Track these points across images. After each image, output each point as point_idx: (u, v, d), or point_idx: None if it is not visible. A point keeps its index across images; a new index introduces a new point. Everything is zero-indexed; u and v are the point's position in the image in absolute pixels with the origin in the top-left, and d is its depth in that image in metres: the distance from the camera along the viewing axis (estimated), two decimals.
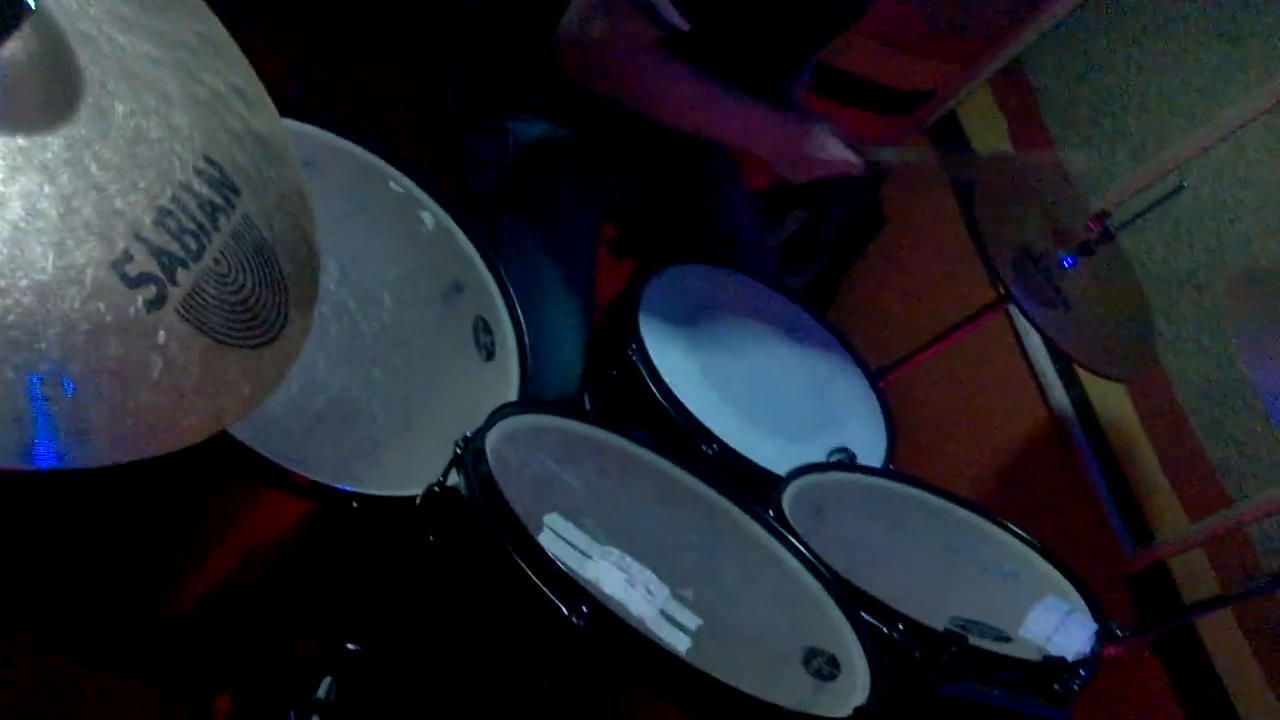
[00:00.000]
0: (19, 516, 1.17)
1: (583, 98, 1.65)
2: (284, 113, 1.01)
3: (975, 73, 2.66)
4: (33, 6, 0.72)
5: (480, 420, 1.16)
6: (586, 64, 1.59)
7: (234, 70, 0.95)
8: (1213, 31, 2.22)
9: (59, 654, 1.23)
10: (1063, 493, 2.25)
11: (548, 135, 1.71)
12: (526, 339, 1.37)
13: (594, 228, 1.76)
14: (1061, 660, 1.33)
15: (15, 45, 0.73)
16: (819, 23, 1.71)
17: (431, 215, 1.39)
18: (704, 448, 1.43)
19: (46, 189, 0.70)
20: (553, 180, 1.71)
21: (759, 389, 1.63)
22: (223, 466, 1.06)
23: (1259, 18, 2.15)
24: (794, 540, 1.31)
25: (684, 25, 1.51)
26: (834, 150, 1.69)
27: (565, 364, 1.56)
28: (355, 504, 1.11)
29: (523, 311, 1.40)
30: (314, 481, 1.08)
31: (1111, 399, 2.22)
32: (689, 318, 1.63)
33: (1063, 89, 2.48)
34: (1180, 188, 1.82)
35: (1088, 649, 1.40)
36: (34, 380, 0.65)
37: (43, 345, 0.65)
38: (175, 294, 0.77)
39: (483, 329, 1.37)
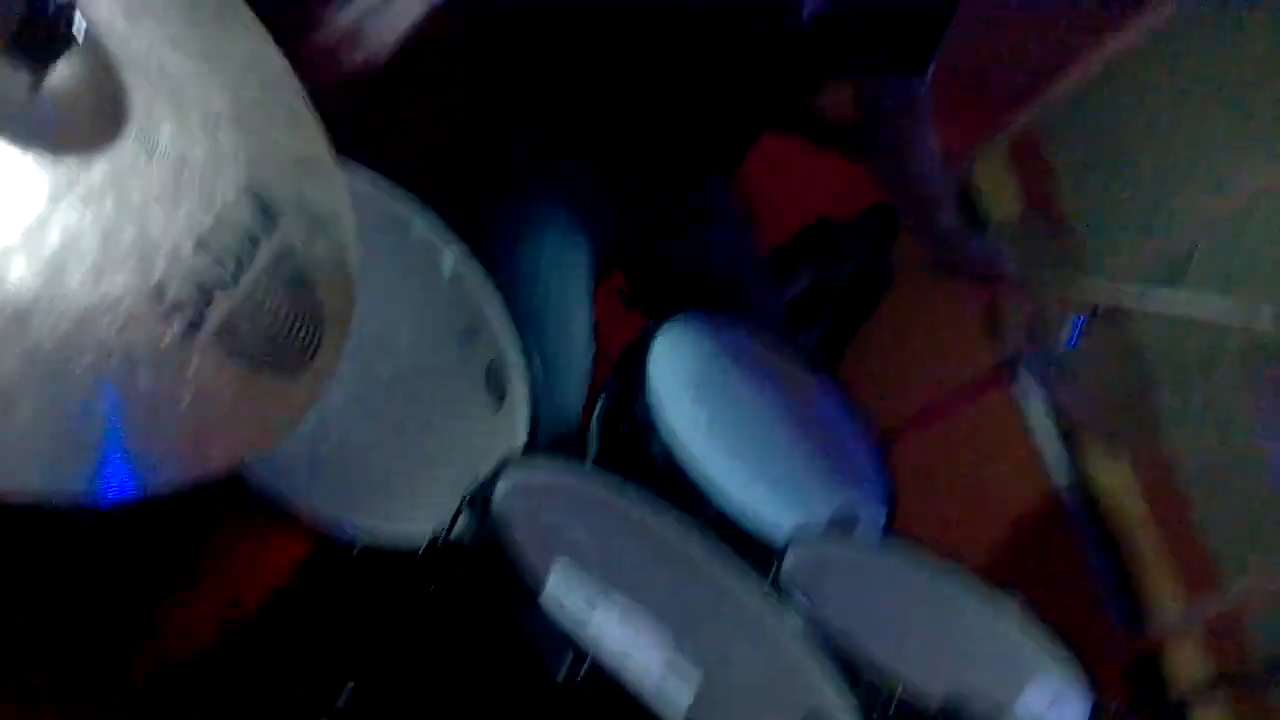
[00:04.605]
0: (13, 545, 1.16)
1: (583, 113, 1.67)
2: None
3: (989, 138, 2.68)
4: (79, 39, 0.72)
5: (486, 466, 1.15)
6: None
7: (282, 87, 0.94)
8: (1227, 108, 2.25)
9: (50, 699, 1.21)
10: (1061, 567, 2.24)
11: (548, 161, 1.71)
12: (538, 388, 1.37)
13: (588, 264, 1.75)
14: None
15: (63, 70, 0.72)
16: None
17: (451, 258, 1.39)
18: (707, 505, 1.42)
19: (88, 216, 0.69)
20: (549, 207, 1.71)
21: (765, 446, 1.63)
22: (227, 502, 1.05)
23: (1267, 93, 2.18)
24: (793, 604, 1.30)
25: None
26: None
27: (563, 402, 1.55)
28: (357, 547, 1.10)
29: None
30: (318, 522, 1.07)
31: (1113, 474, 2.22)
32: (697, 372, 1.63)
33: (1076, 156, 2.51)
34: (1192, 254, 1.83)
35: None
36: (65, 409, 0.64)
37: (76, 373, 0.65)
38: (210, 321, 0.75)
39: (494, 374, 1.37)
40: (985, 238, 1.78)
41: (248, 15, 0.92)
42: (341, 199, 0.94)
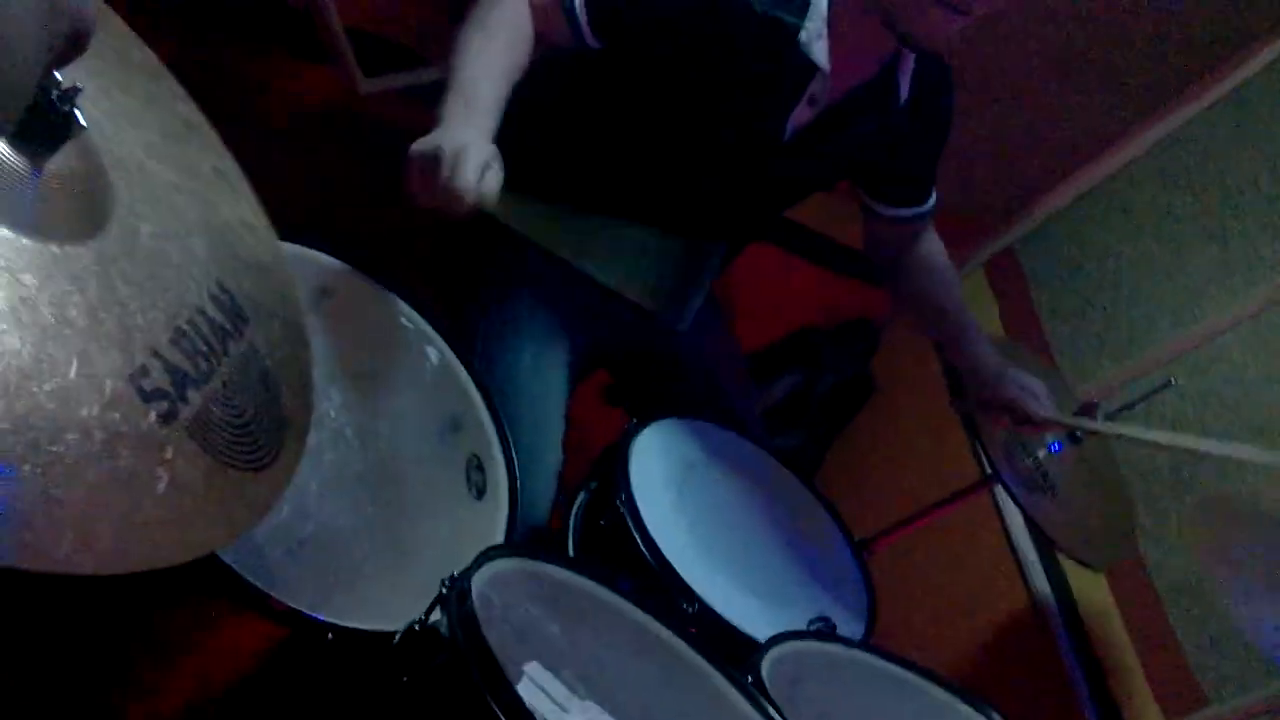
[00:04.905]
0: None
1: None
2: (307, 243, 1.04)
3: (969, 256, 2.73)
4: (84, 124, 0.75)
5: (465, 559, 1.15)
6: None
7: (245, 205, 0.99)
8: (1202, 233, 2.30)
9: None
10: (1038, 678, 2.22)
11: (532, 262, 1.73)
12: (519, 481, 1.37)
13: (572, 361, 1.77)
14: None
15: (60, 160, 0.75)
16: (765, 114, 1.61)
17: (437, 352, 1.41)
18: (685, 605, 1.41)
19: (75, 298, 0.72)
20: (532, 307, 1.73)
21: (744, 549, 1.63)
22: (200, 583, 1.05)
23: (1246, 221, 2.23)
24: (770, 708, 1.29)
25: (592, 40, 1.52)
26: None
27: (532, 501, 1.55)
28: (330, 635, 1.09)
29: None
30: (290, 608, 1.07)
31: (1092, 588, 2.22)
32: (679, 472, 1.63)
33: (1054, 279, 2.55)
34: (1168, 383, 1.86)
35: None
36: (48, 483, 0.65)
37: (59, 449, 0.66)
38: (185, 412, 0.78)
39: (475, 467, 1.37)
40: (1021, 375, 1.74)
41: (213, 136, 0.97)
42: (299, 310, 0.98)
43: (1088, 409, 1.84)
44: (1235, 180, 2.27)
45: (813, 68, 1.55)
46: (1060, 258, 2.55)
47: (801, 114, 1.60)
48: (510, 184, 1.71)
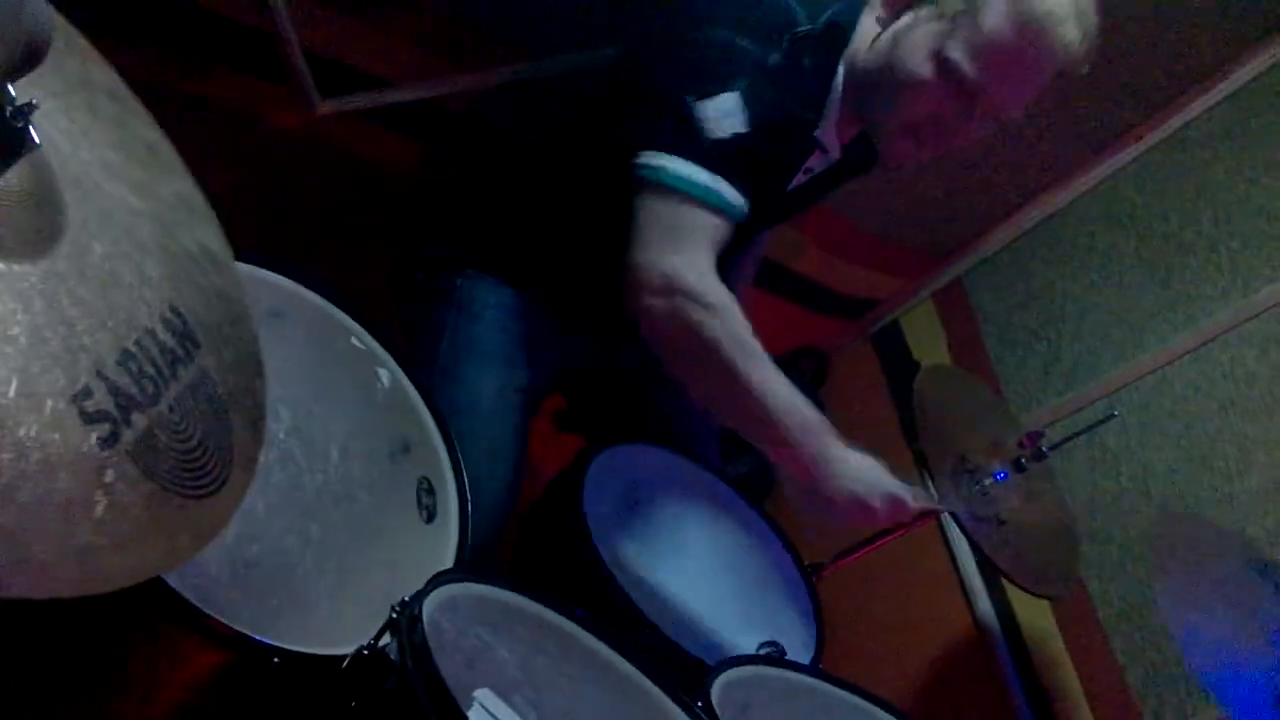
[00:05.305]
0: None
1: (532, 259, 1.71)
2: (259, 263, 1.03)
3: (918, 287, 2.77)
4: (37, 142, 0.74)
5: (414, 583, 1.14)
6: (667, 312, 1.51)
7: (206, 231, 0.98)
8: (1145, 270, 2.35)
9: None
10: (984, 704, 2.24)
11: (493, 293, 1.74)
12: (469, 505, 1.37)
13: (530, 391, 1.77)
14: None
15: (10, 177, 0.74)
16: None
17: (389, 374, 1.40)
18: (639, 624, 1.42)
19: (20, 315, 0.71)
20: (492, 337, 1.73)
21: (696, 575, 1.63)
22: (140, 605, 1.03)
23: (1188, 259, 2.28)
24: None
25: (745, 206, 1.55)
26: (873, 486, 1.58)
27: (483, 524, 1.55)
28: (276, 659, 1.08)
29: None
30: (235, 631, 1.05)
31: (1035, 614, 2.25)
32: (632, 498, 1.64)
33: (1001, 311, 2.59)
34: (1111, 416, 1.89)
35: None
36: None
37: None
38: (128, 435, 0.77)
39: (426, 490, 1.36)
40: None
41: (176, 160, 0.96)
42: (256, 340, 0.97)
43: (1032, 438, 1.87)
44: (1178, 219, 2.32)
45: (814, 145, 1.66)
46: (1007, 291, 2.59)
47: (797, 181, 1.71)
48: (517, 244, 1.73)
